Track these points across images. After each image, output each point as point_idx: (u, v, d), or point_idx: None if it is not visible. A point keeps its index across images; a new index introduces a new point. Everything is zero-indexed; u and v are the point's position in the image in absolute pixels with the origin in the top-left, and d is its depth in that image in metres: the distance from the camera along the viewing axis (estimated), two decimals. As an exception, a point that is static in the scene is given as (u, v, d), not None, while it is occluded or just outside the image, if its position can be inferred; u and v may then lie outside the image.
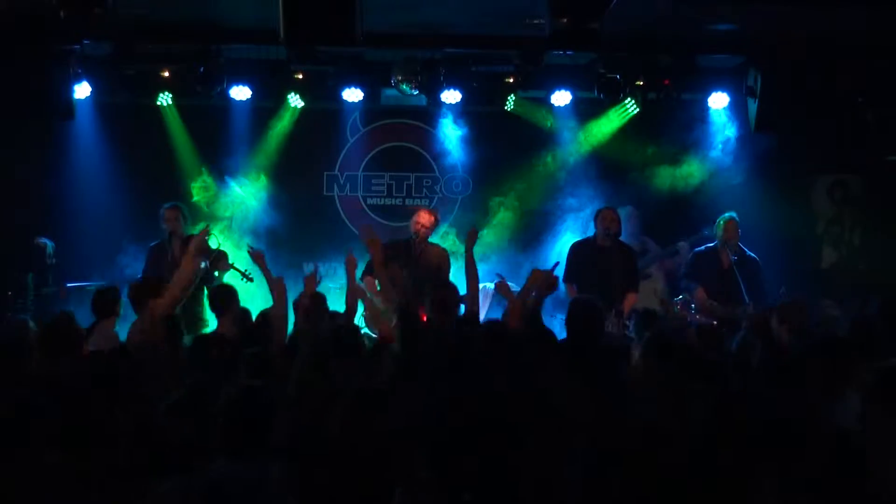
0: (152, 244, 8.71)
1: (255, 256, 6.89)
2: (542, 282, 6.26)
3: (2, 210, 9.70)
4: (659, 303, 8.20)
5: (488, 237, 9.90)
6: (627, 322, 7.73)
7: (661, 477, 3.46)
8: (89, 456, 3.71)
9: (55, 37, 8.49)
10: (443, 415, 3.85)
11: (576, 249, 8.73)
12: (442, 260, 8.40)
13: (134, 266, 9.00)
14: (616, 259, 8.38)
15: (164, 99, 9.59)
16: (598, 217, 8.68)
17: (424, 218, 8.47)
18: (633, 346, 6.33)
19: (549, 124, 10.31)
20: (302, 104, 9.84)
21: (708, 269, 8.64)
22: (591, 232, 8.83)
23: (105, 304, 6.61)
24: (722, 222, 8.74)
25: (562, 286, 8.17)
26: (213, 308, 6.84)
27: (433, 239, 8.72)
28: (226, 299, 6.77)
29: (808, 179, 10.71)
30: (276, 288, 6.34)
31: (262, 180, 10.21)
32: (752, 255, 8.75)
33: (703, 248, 8.98)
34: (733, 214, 8.79)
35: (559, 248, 9.57)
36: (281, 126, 10.17)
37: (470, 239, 6.84)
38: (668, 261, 9.94)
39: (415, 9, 8.13)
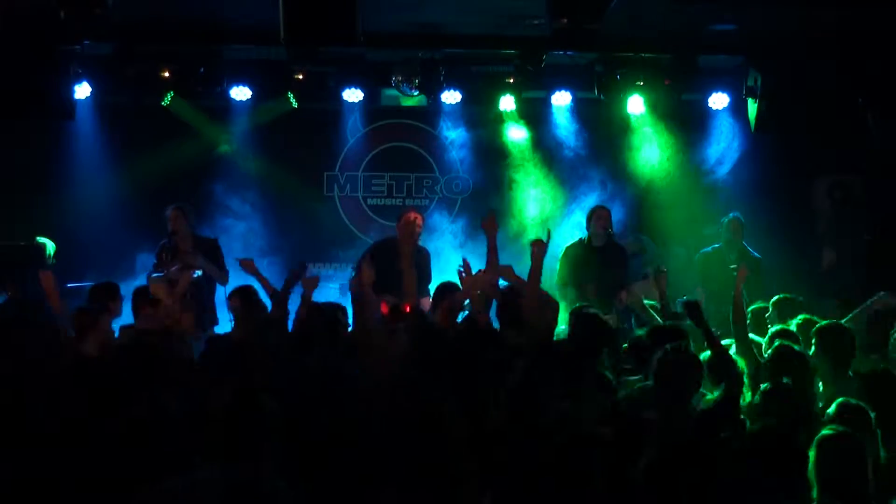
0: (163, 241, 8.52)
1: (246, 266, 6.78)
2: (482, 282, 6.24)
3: (2, 210, 9.68)
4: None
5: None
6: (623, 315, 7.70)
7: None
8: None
9: (55, 37, 8.48)
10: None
11: (569, 252, 8.69)
12: (424, 259, 8.39)
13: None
14: (610, 258, 8.38)
15: (168, 98, 9.58)
16: (593, 216, 8.66)
17: (420, 219, 8.50)
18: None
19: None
20: (302, 104, 9.83)
21: (716, 270, 8.62)
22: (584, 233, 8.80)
23: (101, 299, 6.57)
24: (726, 222, 8.80)
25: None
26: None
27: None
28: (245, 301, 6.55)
29: (808, 179, 10.69)
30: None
31: (262, 181, 10.20)
32: (757, 255, 8.77)
33: (709, 248, 8.99)
34: (738, 215, 8.84)
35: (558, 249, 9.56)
36: (280, 126, 10.16)
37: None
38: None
39: (415, 9, 8.13)
